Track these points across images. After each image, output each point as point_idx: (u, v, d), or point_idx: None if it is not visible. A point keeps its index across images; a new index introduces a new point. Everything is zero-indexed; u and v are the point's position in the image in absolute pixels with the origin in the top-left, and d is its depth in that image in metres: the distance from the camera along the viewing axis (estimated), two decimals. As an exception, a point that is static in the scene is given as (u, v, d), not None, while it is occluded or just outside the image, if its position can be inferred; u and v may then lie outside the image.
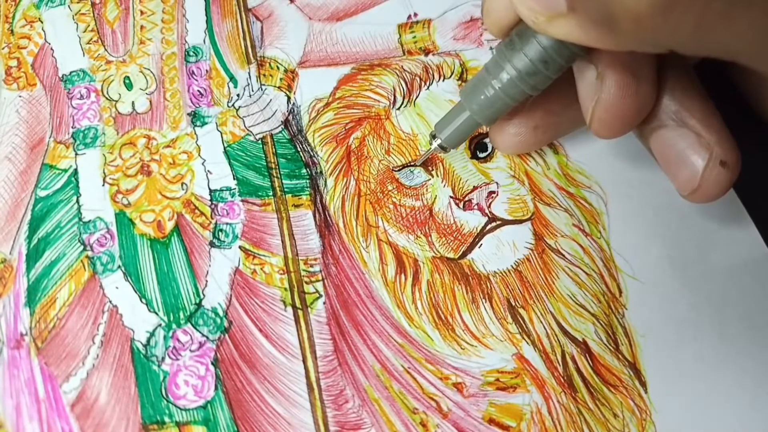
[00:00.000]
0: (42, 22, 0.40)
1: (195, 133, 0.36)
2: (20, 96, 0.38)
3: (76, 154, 0.36)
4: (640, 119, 0.29)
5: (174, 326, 0.32)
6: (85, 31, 0.39)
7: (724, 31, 0.21)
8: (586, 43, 0.24)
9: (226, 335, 0.32)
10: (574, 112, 0.32)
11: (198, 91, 0.37)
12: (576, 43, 0.25)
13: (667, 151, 0.29)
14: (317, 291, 0.32)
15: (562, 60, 0.27)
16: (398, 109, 0.37)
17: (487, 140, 0.35)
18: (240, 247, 0.33)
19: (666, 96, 0.29)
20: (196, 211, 0.34)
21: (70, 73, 0.38)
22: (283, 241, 0.34)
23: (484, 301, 0.32)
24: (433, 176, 0.35)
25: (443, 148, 0.32)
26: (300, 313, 0.32)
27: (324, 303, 0.32)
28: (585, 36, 0.24)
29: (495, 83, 0.29)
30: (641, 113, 0.28)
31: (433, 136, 0.32)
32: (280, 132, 0.36)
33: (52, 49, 0.39)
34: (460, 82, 0.37)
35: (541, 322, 0.32)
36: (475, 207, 0.34)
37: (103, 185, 0.35)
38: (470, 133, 0.32)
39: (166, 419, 0.30)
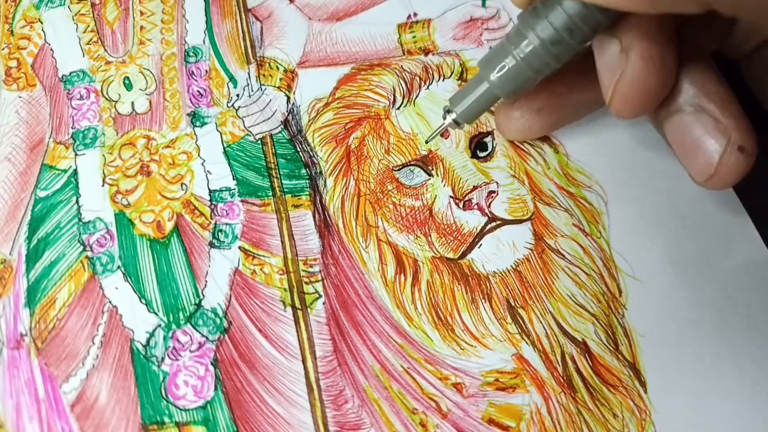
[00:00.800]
0: (42, 23, 0.40)
1: (194, 134, 0.36)
2: (20, 96, 0.38)
3: (76, 154, 0.36)
4: (662, 97, 0.28)
5: (174, 327, 0.32)
6: (84, 32, 0.39)
7: None
8: (621, 7, 0.24)
9: (226, 336, 0.32)
10: (579, 95, 0.32)
11: (198, 91, 0.37)
12: (607, 7, 0.24)
13: (683, 137, 0.29)
14: (317, 291, 0.32)
15: (588, 28, 0.26)
16: (398, 108, 0.37)
17: (487, 140, 0.35)
18: (239, 247, 0.33)
19: (685, 80, 0.28)
20: (196, 211, 0.34)
21: (70, 73, 0.38)
22: (282, 242, 0.34)
23: (483, 301, 0.32)
24: (432, 176, 0.35)
25: (457, 123, 0.31)
26: (299, 313, 0.32)
27: (323, 303, 0.32)
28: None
29: (517, 53, 0.28)
30: (664, 89, 0.28)
31: (448, 111, 0.31)
32: (280, 132, 0.36)
33: (51, 49, 0.39)
34: (460, 82, 0.37)
35: (541, 322, 0.32)
36: (475, 207, 0.34)
37: (103, 186, 0.35)
38: (488, 107, 0.31)
39: (166, 419, 0.30)
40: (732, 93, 0.28)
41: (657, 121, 0.30)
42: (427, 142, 0.34)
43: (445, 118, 0.32)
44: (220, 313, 0.32)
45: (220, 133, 0.36)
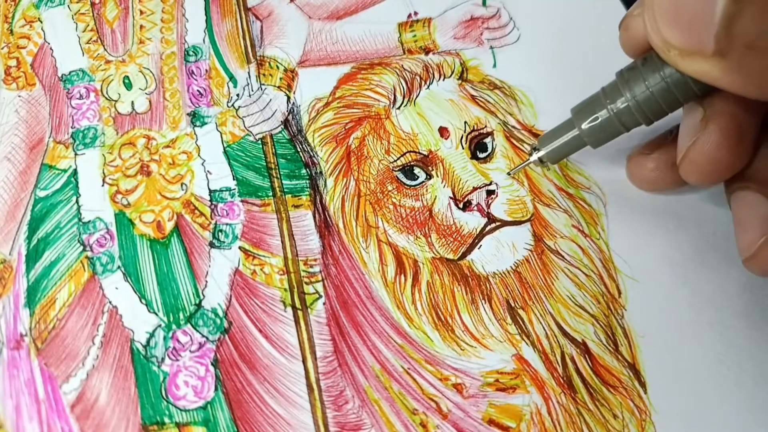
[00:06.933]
0: (41, 22, 0.40)
1: (195, 133, 0.36)
2: (19, 96, 0.38)
3: (76, 154, 0.36)
4: (732, 172, 0.29)
5: (174, 327, 0.32)
6: (84, 31, 0.39)
7: None
8: (724, 87, 0.24)
9: (226, 336, 0.32)
10: None
11: (198, 90, 0.37)
12: (706, 83, 0.25)
13: (740, 211, 0.29)
14: (317, 291, 0.32)
15: (681, 96, 0.27)
16: (398, 108, 0.36)
17: (487, 141, 0.35)
18: (240, 247, 0.33)
19: (761, 158, 0.29)
20: (196, 211, 0.34)
21: (70, 72, 0.38)
22: (282, 242, 0.34)
23: (483, 302, 0.32)
24: (433, 177, 0.35)
25: (542, 161, 0.32)
26: (300, 313, 0.32)
27: (324, 303, 0.32)
28: (726, 80, 0.24)
29: (611, 107, 0.29)
30: (733, 168, 0.28)
31: (534, 149, 0.32)
32: (280, 132, 0.36)
33: (51, 48, 0.39)
34: (460, 81, 0.37)
35: (541, 322, 0.32)
36: (475, 208, 0.34)
37: (103, 185, 0.35)
38: (573, 152, 0.32)
39: (166, 420, 0.30)
40: None
41: (726, 190, 0.30)
42: (509, 174, 0.34)
43: (530, 155, 0.32)
44: (221, 314, 0.32)
45: (220, 133, 0.36)
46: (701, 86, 0.26)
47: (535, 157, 0.32)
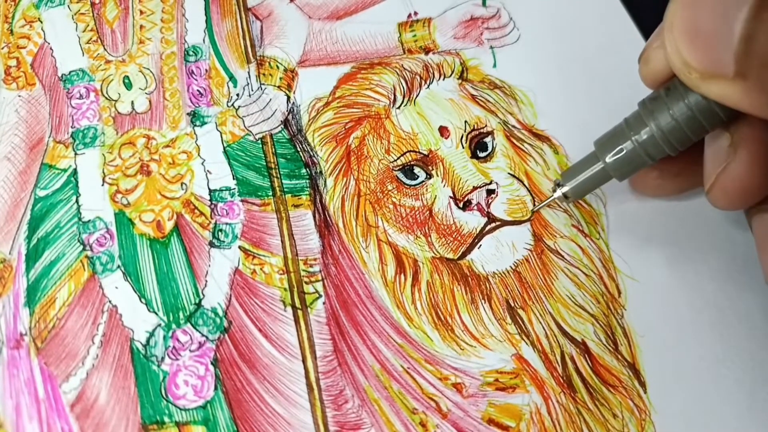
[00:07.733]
0: (41, 22, 0.40)
1: (194, 133, 0.36)
2: (19, 95, 0.38)
3: (76, 153, 0.36)
4: (759, 199, 0.28)
5: (173, 326, 0.32)
6: (84, 31, 0.39)
7: None
8: (746, 110, 0.24)
9: (226, 335, 0.32)
10: None
11: (197, 90, 0.37)
12: (730, 107, 0.25)
13: (763, 233, 0.29)
14: (317, 291, 0.32)
15: (707, 123, 0.27)
16: (398, 108, 0.36)
17: (487, 140, 0.35)
18: (240, 247, 0.33)
19: None
20: (196, 211, 0.34)
21: (70, 72, 0.38)
22: (282, 242, 0.34)
23: (483, 301, 0.32)
24: (433, 176, 0.35)
25: (566, 196, 0.32)
26: (300, 313, 0.32)
27: (324, 303, 0.32)
28: (748, 102, 0.24)
29: (636, 138, 0.29)
30: (762, 192, 0.28)
31: (558, 185, 0.32)
32: (280, 132, 0.36)
33: (51, 48, 0.39)
34: (460, 80, 0.37)
35: (540, 322, 0.32)
36: (475, 207, 0.34)
37: (103, 185, 0.35)
38: (598, 186, 0.31)
39: (166, 419, 0.30)
40: None
41: (748, 211, 0.30)
42: (532, 213, 0.34)
43: (554, 191, 0.32)
44: (220, 313, 0.32)
45: (220, 133, 0.36)
46: (727, 111, 0.26)
47: (559, 193, 0.32)
